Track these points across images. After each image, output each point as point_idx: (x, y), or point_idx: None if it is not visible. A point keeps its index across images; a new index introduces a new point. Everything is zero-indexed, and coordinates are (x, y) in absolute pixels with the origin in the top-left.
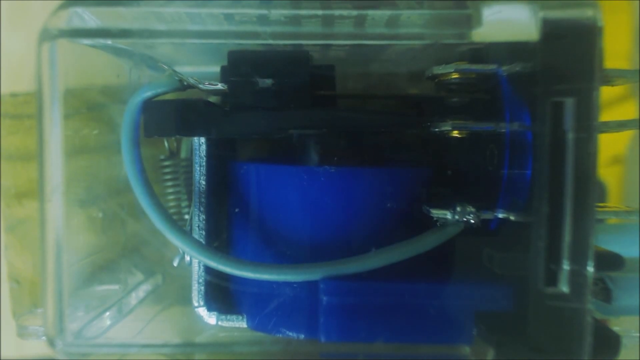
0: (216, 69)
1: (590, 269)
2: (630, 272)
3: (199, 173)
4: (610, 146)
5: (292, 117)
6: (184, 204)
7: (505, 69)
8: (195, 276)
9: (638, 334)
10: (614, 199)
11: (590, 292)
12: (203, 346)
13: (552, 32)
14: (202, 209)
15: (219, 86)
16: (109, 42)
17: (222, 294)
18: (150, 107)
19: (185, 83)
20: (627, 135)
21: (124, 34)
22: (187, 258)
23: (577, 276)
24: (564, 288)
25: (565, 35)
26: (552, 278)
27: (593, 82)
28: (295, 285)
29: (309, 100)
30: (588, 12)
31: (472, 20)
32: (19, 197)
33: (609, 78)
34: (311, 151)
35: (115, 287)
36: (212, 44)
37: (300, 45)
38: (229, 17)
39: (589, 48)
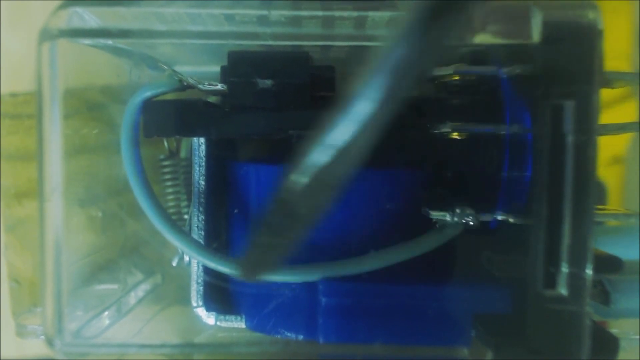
0: (216, 69)
1: (589, 271)
2: (629, 275)
3: (198, 173)
4: (610, 146)
5: (292, 117)
6: (183, 204)
7: (505, 71)
8: (194, 276)
9: (637, 336)
10: (614, 200)
11: (589, 294)
12: (202, 346)
13: (552, 34)
14: (201, 209)
15: (219, 86)
16: (109, 42)
17: (221, 294)
18: (150, 107)
19: (185, 83)
20: (627, 136)
21: (124, 34)
22: (186, 258)
23: (575, 279)
24: (563, 290)
25: (565, 38)
26: (551, 280)
27: (593, 85)
28: (294, 286)
29: (308, 101)
30: (588, 15)
31: (472, 22)
32: (19, 197)
33: (609, 81)
34: None
35: (115, 286)
36: (213, 44)
37: (301, 46)
38: (229, 18)
39: (589, 51)
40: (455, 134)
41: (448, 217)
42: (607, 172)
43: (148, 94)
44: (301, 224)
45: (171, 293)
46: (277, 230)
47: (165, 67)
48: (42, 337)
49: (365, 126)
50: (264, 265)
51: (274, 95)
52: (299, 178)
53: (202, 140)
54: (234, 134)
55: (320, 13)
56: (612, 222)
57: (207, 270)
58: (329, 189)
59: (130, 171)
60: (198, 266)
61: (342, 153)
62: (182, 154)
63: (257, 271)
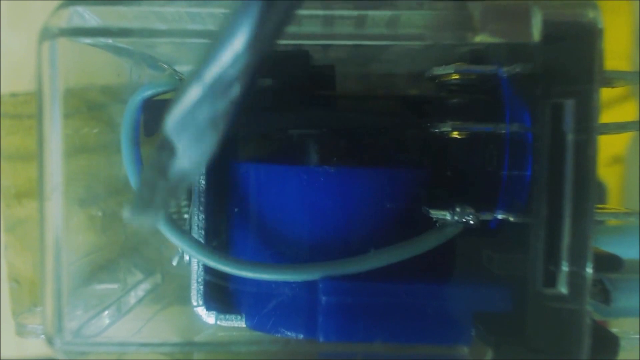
0: None
1: (589, 270)
2: (629, 274)
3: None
4: (610, 146)
5: (292, 117)
6: (183, 203)
7: (505, 70)
8: (194, 275)
9: (637, 336)
10: (613, 199)
11: (589, 293)
12: (202, 345)
13: (553, 33)
14: (201, 208)
15: None
16: (110, 41)
17: (221, 293)
18: (150, 106)
19: None
20: (627, 136)
21: (124, 33)
22: (186, 257)
23: (576, 277)
24: (563, 289)
25: (565, 37)
26: (551, 279)
27: (593, 84)
28: (294, 285)
29: (308, 100)
30: (589, 14)
31: (472, 21)
32: (19, 197)
33: (609, 80)
34: (310, 151)
35: (115, 286)
36: None
37: (301, 45)
38: None
39: (589, 50)
40: (456, 133)
41: (448, 216)
42: (607, 172)
43: (148, 93)
44: (181, 161)
45: (171, 292)
46: (159, 168)
47: (166, 66)
48: (42, 336)
49: (235, 65)
50: (151, 206)
51: (274, 95)
52: (175, 113)
53: None
54: (234, 133)
55: (320, 12)
56: (612, 221)
57: (207, 270)
58: (205, 127)
59: (131, 170)
60: (198, 265)
61: (214, 88)
62: None
63: (145, 212)
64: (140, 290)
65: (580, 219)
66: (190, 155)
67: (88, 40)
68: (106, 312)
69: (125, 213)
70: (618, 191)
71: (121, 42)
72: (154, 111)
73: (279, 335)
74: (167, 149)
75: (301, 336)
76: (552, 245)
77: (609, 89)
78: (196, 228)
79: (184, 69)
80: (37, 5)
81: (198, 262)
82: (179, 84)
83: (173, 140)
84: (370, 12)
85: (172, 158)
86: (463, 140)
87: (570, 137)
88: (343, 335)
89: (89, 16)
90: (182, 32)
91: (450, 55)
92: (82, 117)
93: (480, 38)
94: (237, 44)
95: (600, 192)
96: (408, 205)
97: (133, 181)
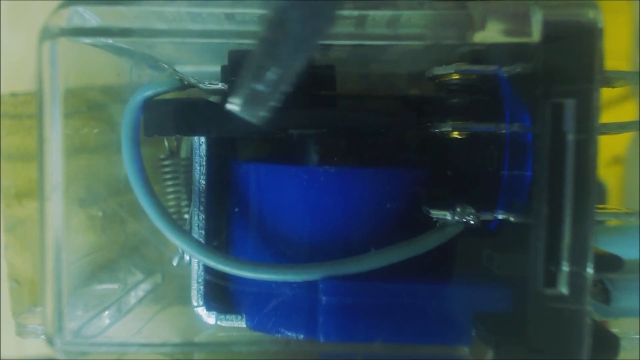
0: (217, 68)
1: (590, 270)
2: (629, 274)
3: (198, 172)
4: (610, 146)
5: (292, 117)
6: (183, 203)
7: (505, 70)
8: (194, 275)
9: (637, 336)
10: (614, 200)
11: (590, 293)
12: (202, 346)
13: (553, 33)
14: (201, 208)
15: (220, 86)
16: (110, 41)
17: (222, 293)
18: (150, 106)
19: (185, 82)
20: (627, 136)
21: (124, 33)
22: (187, 257)
23: (576, 277)
24: (563, 289)
25: (565, 37)
26: (551, 279)
27: (593, 84)
28: (294, 285)
29: (309, 100)
30: (589, 14)
31: (473, 21)
32: (19, 197)
33: (609, 79)
34: (311, 151)
35: (115, 286)
36: (213, 43)
37: None
38: (230, 17)
39: (589, 49)
40: (456, 133)
41: (449, 216)
42: (607, 172)
43: (149, 93)
44: (296, 41)
45: (171, 292)
46: (270, 50)
47: (166, 66)
48: (42, 336)
49: None
50: (262, 96)
51: None
52: None
53: (202, 139)
54: (234, 133)
55: None
56: (613, 221)
57: (207, 270)
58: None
59: (131, 170)
60: (199, 265)
61: None
62: (183, 153)
63: (255, 103)
64: (141, 290)
65: (580, 219)
66: (304, 34)
67: (88, 40)
68: (106, 312)
69: (233, 104)
70: (618, 191)
71: (121, 42)
72: (154, 111)
73: (279, 336)
74: (279, 27)
75: (301, 336)
76: (553, 245)
77: (609, 89)
78: (196, 228)
79: (184, 69)
80: (37, 5)
81: (198, 262)
82: None
83: (287, 16)
84: (371, 12)
85: (285, 37)
86: (463, 140)
87: (570, 137)
88: (343, 335)
89: (89, 16)
90: (183, 32)
91: (450, 55)
92: (82, 117)
93: (480, 38)
94: None
95: (600, 192)
96: (408, 205)
97: (133, 182)
